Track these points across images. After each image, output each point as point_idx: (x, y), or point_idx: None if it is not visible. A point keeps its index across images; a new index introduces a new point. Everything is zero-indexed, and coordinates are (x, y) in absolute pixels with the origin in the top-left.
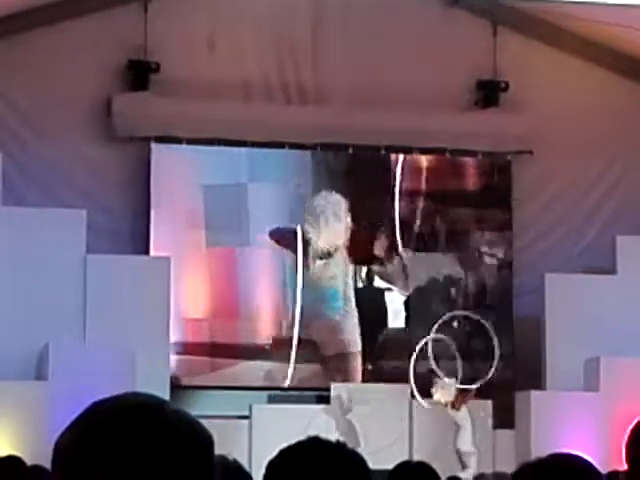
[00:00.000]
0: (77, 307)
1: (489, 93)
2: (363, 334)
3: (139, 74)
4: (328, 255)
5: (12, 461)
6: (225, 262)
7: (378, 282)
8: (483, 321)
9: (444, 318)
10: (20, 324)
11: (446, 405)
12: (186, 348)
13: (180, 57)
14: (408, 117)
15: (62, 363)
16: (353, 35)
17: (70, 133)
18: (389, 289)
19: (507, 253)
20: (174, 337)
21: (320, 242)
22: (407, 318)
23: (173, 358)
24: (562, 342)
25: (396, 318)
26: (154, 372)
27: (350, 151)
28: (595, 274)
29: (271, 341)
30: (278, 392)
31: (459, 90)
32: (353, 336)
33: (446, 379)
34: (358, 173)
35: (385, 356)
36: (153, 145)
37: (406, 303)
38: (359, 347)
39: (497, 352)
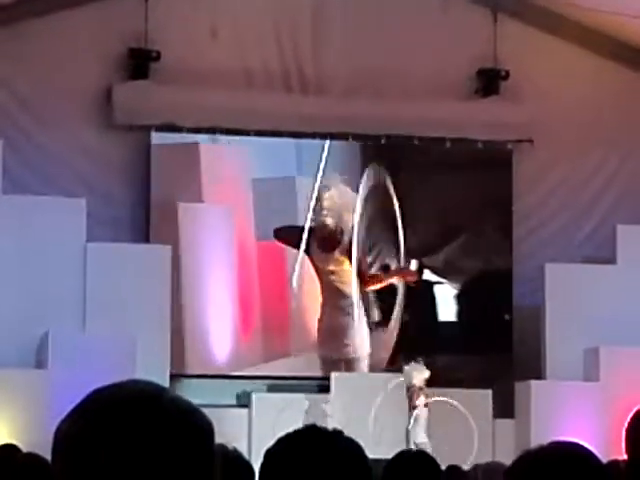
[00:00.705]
0: (77, 295)
1: (489, 82)
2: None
3: (140, 63)
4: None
5: (8, 449)
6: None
7: (428, 275)
8: None
9: None
10: (20, 312)
11: (420, 388)
12: (239, 341)
13: (181, 46)
14: (408, 106)
15: (62, 351)
16: (354, 24)
17: (70, 122)
18: (439, 282)
19: (507, 242)
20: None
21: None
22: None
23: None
24: (562, 332)
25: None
26: (154, 360)
27: (351, 140)
28: (595, 264)
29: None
30: (278, 381)
31: (460, 79)
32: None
33: (422, 365)
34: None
35: (438, 351)
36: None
37: (458, 297)
38: (366, 351)
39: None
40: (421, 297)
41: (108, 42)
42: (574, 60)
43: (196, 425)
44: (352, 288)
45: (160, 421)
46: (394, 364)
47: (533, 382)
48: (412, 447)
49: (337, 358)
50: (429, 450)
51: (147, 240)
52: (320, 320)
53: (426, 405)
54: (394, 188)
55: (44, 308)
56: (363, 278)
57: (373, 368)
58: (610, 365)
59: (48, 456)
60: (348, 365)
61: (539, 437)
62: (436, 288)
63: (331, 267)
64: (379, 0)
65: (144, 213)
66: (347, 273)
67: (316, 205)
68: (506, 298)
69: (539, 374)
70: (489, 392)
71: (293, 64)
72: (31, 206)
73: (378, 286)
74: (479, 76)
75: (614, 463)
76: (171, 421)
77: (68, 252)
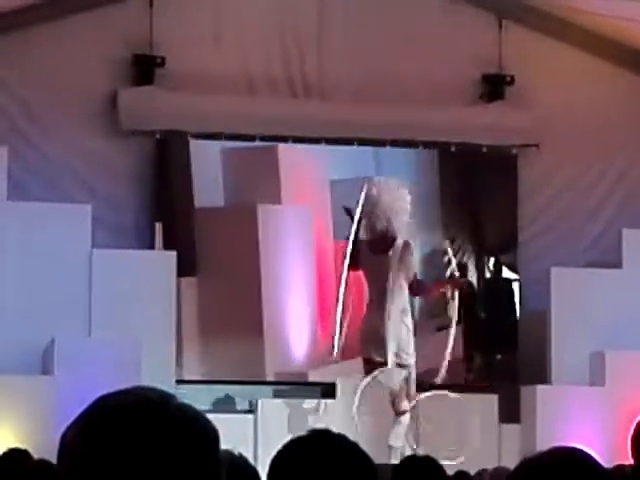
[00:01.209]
0: (83, 302)
1: (494, 87)
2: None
3: (144, 68)
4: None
5: (18, 454)
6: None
7: (506, 273)
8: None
9: None
10: (26, 319)
11: (393, 394)
12: (317, 341)
13: (185, 51)
14: (413, 111)
15: (68, 357)
16: (358, 29)
17: (75, 128)
18: (517, 279)
19: (512, 247)
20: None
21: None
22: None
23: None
24: (568, 336)
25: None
26: (159, 366)
27: (356, 145)
28: (601, 268)
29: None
30: (284, 386)
31: (465, 84)
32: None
33: (396, 368)
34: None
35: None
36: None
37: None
38: (412, 359)
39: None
40: (501, 294)
41: (113, 48)
42: (579, 65)
43: (202, 432)
44: (401, 289)
45: (166, 428)
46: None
47: (539, 387)
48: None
49: (379, 361)
50: (398, 455)
51: (153, 246)
52: (364, 321)
53: (412, 408)
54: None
55: (50, 314)
56: (411, 287)
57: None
58: (616, 369)
59: (54, 461)
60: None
61: (545, 442)
62: (512, 285)
63: (382, 269)
64: (383, 5)
65: (150, 219)
66: (398, 273)
67: (366, 207)
68: (511, 302)
69: (545, 379)
70: (495, 397)
71: (297, 69)
72: (36, 212)
73: (428, 295)
74: (484, 81)
75: (620, 468)
76: (177, 428)
77: (73, 258)
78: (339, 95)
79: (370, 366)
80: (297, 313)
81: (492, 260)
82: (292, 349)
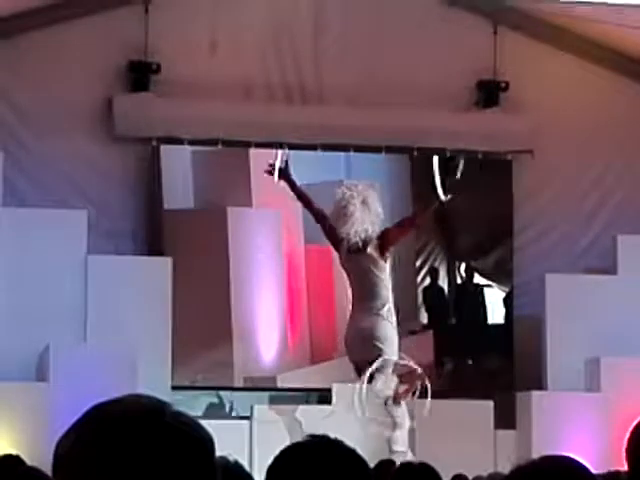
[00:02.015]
0: (78, 308)
1: (489, 93)
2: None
3: (140, 75)
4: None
5: (10, 460)
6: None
7: (478, 279)
8: None
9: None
10: (21, 325)
11: (385, 401)
12: (287, 344)
13: (181, 58)
14: (408, 117)
15: (63, 364)
16: (354, 35)
17: (71, 134)
18: (489, 285)
19: (507, 253)
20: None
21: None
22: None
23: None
24: (563, 342)
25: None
26: (155, 374)
27: (352, 151)
28: (596, 274)
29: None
30: (279, 393)
31: (459, 90)
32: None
33: (390, 373)
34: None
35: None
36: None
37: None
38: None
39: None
40: (471, 300)
41: (108, 54)
42: (574, 71)
43: (198, 439)
44: (385, 289)
45: (162, 436)
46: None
47: (534, 393)
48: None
49: (366, 360)
50: (408, 459)
51: (158, 251)
52: (349, 324)
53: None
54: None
55: (45, 321)
56: (411, 220)
57: None
58: (611, 375)
59: (49, 470)
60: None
61: (540, 448)
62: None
63: (363, 266)
64: (379, 11)
65: (145, 225)
66: (381, 271)
67: (342, 212)
68: (507, 308)
69: (540, 385)
70: (490, 403)
71: (293, 75)
72: (32, 218)
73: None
74: (479, 87)
75: (615, 474)
76: (173, 436)
77: (69, 264)
78: (335, 101)
79: (360, 367)
80: (267, 317)
81: (463, 266)
82: (261, 353)
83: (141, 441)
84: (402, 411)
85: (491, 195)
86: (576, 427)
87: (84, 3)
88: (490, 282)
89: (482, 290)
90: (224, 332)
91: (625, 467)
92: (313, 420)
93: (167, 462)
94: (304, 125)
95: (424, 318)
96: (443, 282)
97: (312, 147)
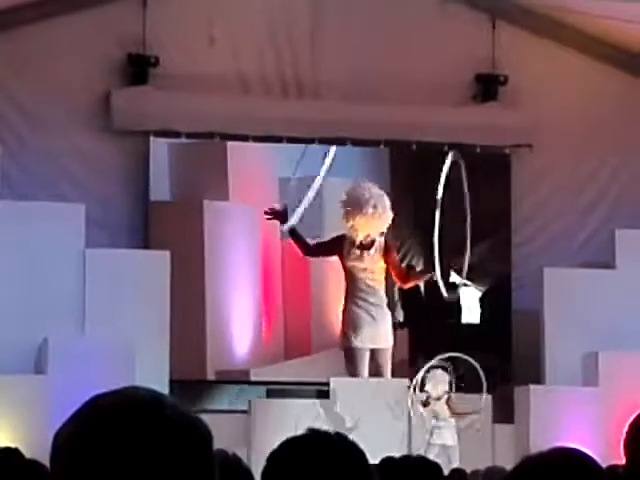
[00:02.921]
0: (76, 301)
1: (488, 87)
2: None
3: (138, 68)
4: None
5: (9, 453)
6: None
7: (454, 277)
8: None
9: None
10: (19, 318)
11: (438, 398)
12: (261, 339)
13: (179, 51)
14: (406, 111)
15: (61, 357)
16: (351, 29)
17: (69, 127)
18: (465, 284)
19: (506, 247)
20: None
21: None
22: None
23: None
24: (561, 336)
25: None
26: (153, 366)
27: (349, 145)
28: (594, 268)
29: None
30: (277, 386)
31: (458, 84)
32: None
33: (441, 372)
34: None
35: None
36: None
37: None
38: (390, 343)
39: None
40: (419, 301)
41: (106, 48)
42: (573, 65)
43: (196, 432)
44: (382, 286)
45: (160, 428)
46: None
47: (532, 387)
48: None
49: (362, 347)
50: (456, 453)
51: (147, 245)
52: (345, 311)
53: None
54: (394, 191)
55: (43, 314)
56: (404, 274)
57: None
58: (609, 370)
59: (47, 462)
60: (374, 355)
61: (538, 442)
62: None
63: (365, 265)
64: (376, 5)
65: (143, 218)
66: (380, 271)
67: (358, 208)
68: (505, 302)
69: (538, 379)
70: (489, 397)
71: (290, 69)
72: (29, 212)
73: (418, 282)
74: (477, 81)
75: (613, 468)
76: (171, 428)
77: (67, 258)
78: (332, 95)
79: (351, 354)
80: (241, 311)
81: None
82: (235, 347)
83: (139, 433)
84: (446, 408)
85: (489, 189)
86: (574, 421)
87: None
88: (466, 281)
89: (456, 288)
90: (198, 325)
91: (623, 461)
92: (311, 414)
93: (165, 454)
94: (301, 119)
95: (400, 315)
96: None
97: (309, 141)
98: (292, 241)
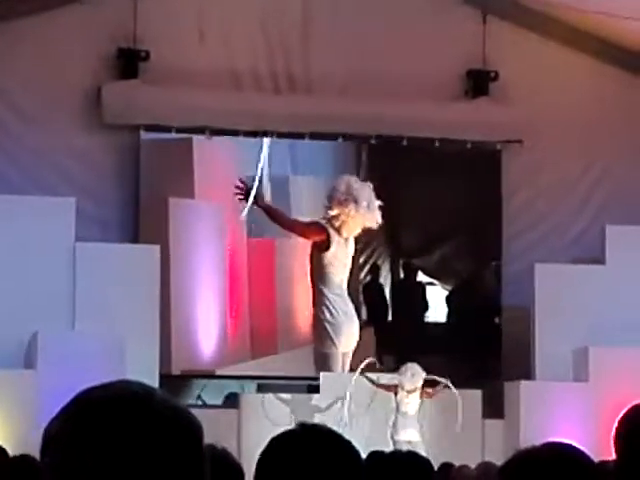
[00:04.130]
0: (66, 295)
1: (479, 82)
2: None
3: (128, 62)
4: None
5: None
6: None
7: (420, 276)
8: None
9: None
10: (9, 312)
11: (411, 391)
12: (227, 338)
13: (170, 45)
14: (397, 106)
15: (51, 351)
16: (343, 24)
17: (59, 121)
18: (431, 283)
19: (496, 242)
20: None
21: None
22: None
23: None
24: (551, 332)
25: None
26: (143, 360)
27: (340, 140)
28: (584, 264)
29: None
30: (267, 381)
31: (449, 79)
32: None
33: (416, 367)
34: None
35: (425, 352)
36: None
37: (447, 297)
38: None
39: None
40: (412, 298)
41: (97, 42)
42: (563, 61)
43: (186, 426)
44: (344, 282)
45: (150, 421)
46: (382, 364)
47: (522, 382)
48: (398, 446)
49: (329, 352)
50: (421, 450)
51: (136, 239)
52: (345, 311)
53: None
54: (383, 188)
55: (33, 308)
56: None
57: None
58: (599, 365)
59: (37, 456)
60: (345, 358)
61: (528, 437)
62: (426, 289)
63: (349, 254)
64: (368, 1)
65: (133, 213)
66: (343, 266)
67: (351, 199)
68: (495, 298)
69: (528, 374)
70: (478, 392)
71: (282, 64)
72: (19, 206)
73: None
74: (468, 77)
75: (603, 464)
76: (161, 421)
77: (57, 252)
78: (324, 90)
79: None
80: (206, 310)
81: (402, 262)
82: (200, 346)
83: (129, 426)
84: (418, 404)
85: (480, 185)
86: (564, 417)
87: None
88: (433, 280)
89: (424, 288)
90: (162, 324)
91: (613, 456)
92: (301, 408)
93: (155, 447)
94: (292, 114)
95: (364, 314)
96: (385, 280)
97: (300, 136)
98: (264, 210)
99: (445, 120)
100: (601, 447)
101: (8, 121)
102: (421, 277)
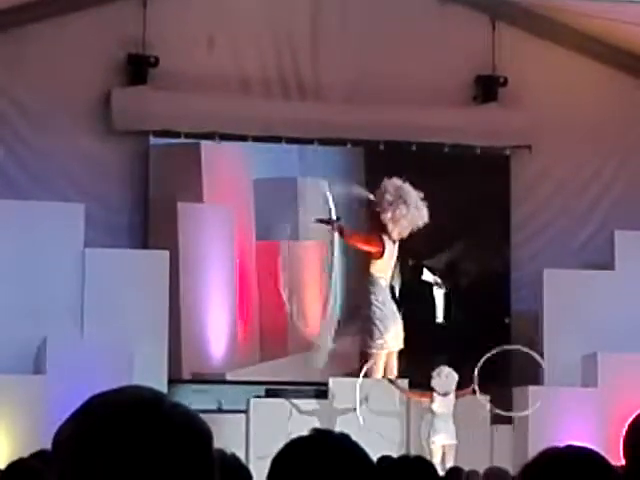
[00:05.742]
0: (75, 301)
1: (488, 88)
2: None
3: (138, 68)
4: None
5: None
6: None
7: (427, 276)
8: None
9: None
10: (18, 318)
11: (445, 394)
12: (236, 341)
13: (179, 51)
14: (407, 112)
15: (60, 357)
16: (352, 31)
17: (69, 127)
18: (438, 287)
19: (505, 248)
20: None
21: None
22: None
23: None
24: (560, 337)
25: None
26: (152, 365)
27: (349, 146)
28: (593, 269)
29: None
30: (276, 386)
31: (458, 85)
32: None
33: (448, 369)
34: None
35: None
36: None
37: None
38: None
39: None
40: (420, 300)
41: (106, 48)
42: (572, 67)
43: (196, 431)
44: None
45: (160, 427)
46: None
47: (531, 388)
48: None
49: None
50: (453, 452)
51: (145, 245)
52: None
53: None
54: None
55: (42, 314)
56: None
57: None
58: (608, 371)
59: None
60: (389, 358)
61: (537, 443)
62: (435, 293)
63: (379, 267)
64: (377, 7)
65: (142, 218)
66: (390, 268)
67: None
68: (504, 303)
69: (537, 380)
70: (487, 398)
71: (291, 70)
72: (29, 211)
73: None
74: (477, 83)
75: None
76: (171, 427)
77: (66, 257)
78: (333, 96)
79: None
80: (216, 313)
81: (411, 264)
82: (210, 349)
83: (139, 431)
84: (452, 407)
85: (489, 190)
86: (573, 422)
87: None
88: (442, 283)
89: (431, 289)
90: (173, 328)
91: (622, 462)
92: (310, 413)
93: (165, 453)
94: (301, 120)
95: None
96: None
97: (309, 141)
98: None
99: (454, 126)
100: (609, 452)
101: (17, 126)
102: (430, 279)
